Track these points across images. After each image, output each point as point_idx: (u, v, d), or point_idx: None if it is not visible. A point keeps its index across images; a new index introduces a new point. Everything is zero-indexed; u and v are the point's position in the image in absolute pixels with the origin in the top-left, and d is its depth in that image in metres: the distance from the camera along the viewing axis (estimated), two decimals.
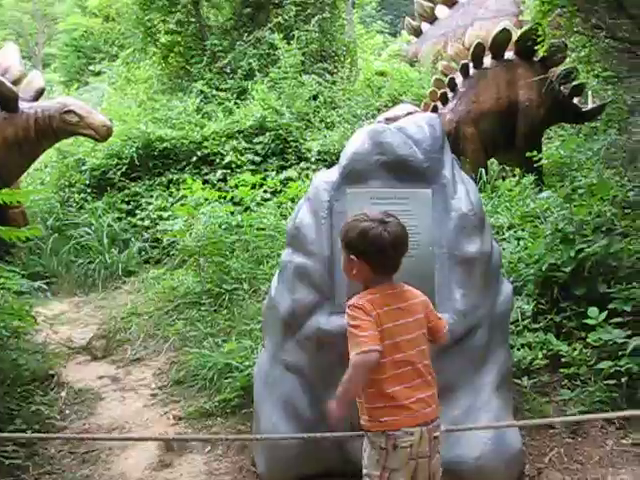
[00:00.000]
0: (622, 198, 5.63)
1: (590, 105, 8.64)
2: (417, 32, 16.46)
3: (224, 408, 4.59)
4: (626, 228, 5.19)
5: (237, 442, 4.13)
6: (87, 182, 9.63)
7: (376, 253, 2.69)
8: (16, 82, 7.90)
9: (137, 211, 8.98)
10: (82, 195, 9.40)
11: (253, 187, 7.91)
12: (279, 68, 11.28)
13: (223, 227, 7.01)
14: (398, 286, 2.77)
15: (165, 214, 8.13)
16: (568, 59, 8.24)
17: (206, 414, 4.58)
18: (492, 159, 8.92)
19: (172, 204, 8.44)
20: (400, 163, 3.65)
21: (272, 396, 3.70)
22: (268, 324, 3.98)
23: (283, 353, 3.70)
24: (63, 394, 5.12)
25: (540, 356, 4.44)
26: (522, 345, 4.59)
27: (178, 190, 8.61)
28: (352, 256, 2.73)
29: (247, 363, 4.75)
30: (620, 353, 4.10)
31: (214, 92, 11.37)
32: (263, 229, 7.08)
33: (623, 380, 4.03)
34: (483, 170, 7.93)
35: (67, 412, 4.88)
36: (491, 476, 3.47)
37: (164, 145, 9.67)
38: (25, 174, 9.05)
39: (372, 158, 3.66)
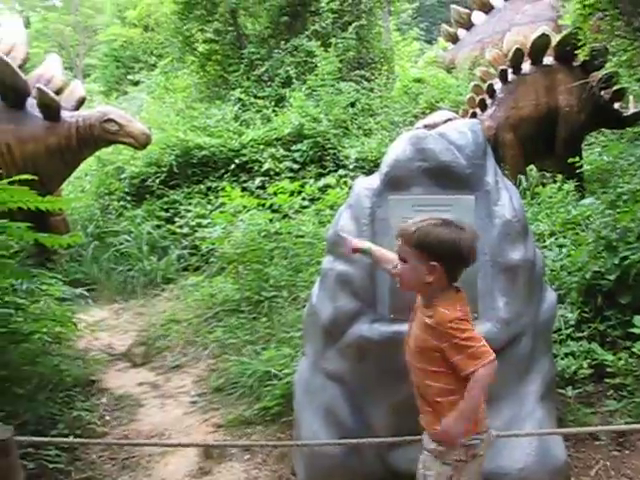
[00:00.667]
0: None
1: (632, 110, 8.49)
2: (454, 39, 16.39)
3: (264, 416, 4.58)
4: None
5: (277, 450, 4.11)
6: (126, 190, 9.77)
7: (457, 260, 2.58)
8: (58, 92, 8.04)
9: (176, 218, 9.06)
10: (121, 203, 9.54)
11: (291, 194, 7.91)
12: (316, 75, 11.31)
13: (262, 234, 7.02)
14: (461, 291, 2.67)
15: (204, 221, 8.17)
16: (609, 63, 8.12)
17: (246, 422, 4.57)
18: (531, 165, 8.81)
19: (210, 211, 8.49)
20: (442, 169, 3.61)
21: (313, 404, 3.67)
22: (309, 332, 3.96)
23: (324, 361, 3.68)
24: (104, 400, 5.17)
25: (585, 366, 4.34)
26: (566, 354, 4.50)
27: (217, 198, 8.68)
28: (433, 262, 2.55)
29: (287, 371, 4.73)
30: None
31: (252, 100, 11.45)
32: (302, 236, 7.06)
33: None
34: (523, 177, 7.83)
35: (107, 418, 4.92)
36: None
37: (203, 153, 9.77)
38: (66, 182, 9.19)
39: (414, 164, 3.62)
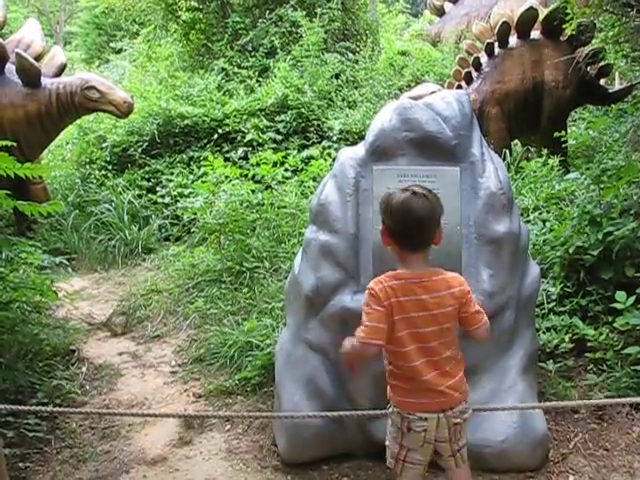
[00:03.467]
0: None
1: (617, 86, 8.47)
2: (440, 12, 16.26)
3: (244, 386, 4.56)
4: None
5: (257, 421, 4.10)
6: (108, 159, 9.64)
7: (396, 222, 2.59)
8: (38, 58, 7.87)
9: (157, 188, 8.97)
10: (103, 172, 9.41)
11: (274, 165, 7.85)
12: (301, 46, 11.18)
13: (244, 205, 6.98)
14: (429, 274, 2.62)
15: (186, 191, 8.10)
16: (596, 39, 8.07)
17: (226, 392, 4.55)
18: (516, 140, 8.79)
19: (193, 181, 8.41)
20: (428, 140, 3.58)
21: (294, 375, 3.66)
22: (291, 302, 3.93)
23: (306, 332, 3.66)
24: (84, 369, 5.13)
25: (566, 340, 4.36)
26: (547, 328, 4.52)
27: (199, 168, 8.59)
28: (382, 224, 2.66)
29: (268, 342, 4.71)
30: None
31: (235, 70, 11.30)
32: (284, 207, 7.03)
33: None
34: (507, 151, 7.81)
35: (87, 387, 4.88)
36: (515, 460, 3.42)
37: (185, 122, 9.66)
38: (46, 151, 9.06)
39: (399, 135, 3.59)
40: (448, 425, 2.63)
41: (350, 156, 3.66)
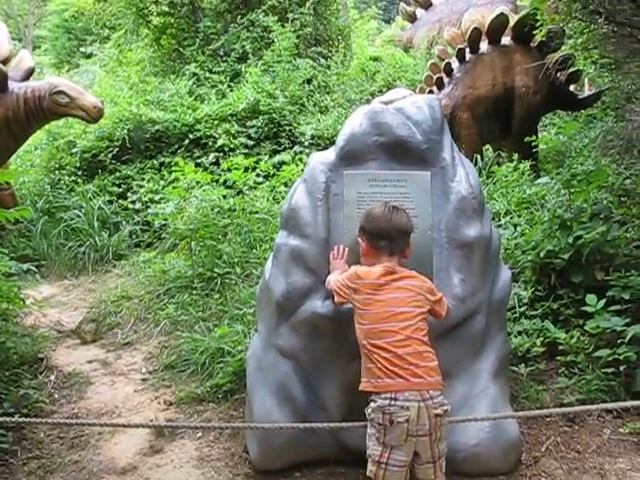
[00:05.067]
0: (619, 186, 5.57)
1: (587, 92, 8.55)
2: (412, 18, 16.29)
3: (216, 393, 4.51)
4: (623, 216, 5.13)
5: (229, 428, 4.06)
6: (78, 164, 9.51)
7: (378, 226, 3.06)
8: (5, 61, 7.75)
9: (128, 194, 8.88)
10: (72, 178, 9.29)
11: (246, 170, 7.80)
12: (273, 51, 11.16)
13: (215, 210, 6.92)
14: (402, 269, 3.04)
15: (157, 197, 8.03)
16: (565, 45, 8.14)
17: (197, 399, 4.50)
18: (487, 145, 8.84)
19: (163, 187, 8.31)
20: (399, 144, 3.56)
21: (265, 381, 3.62)
22: (262, 308, 3.90)
23: (277, 337, 3.62)
24: (52, 378, 5.03)
25: (537, 343, 4.38)
26: (519, 332, 4.53)
27: (170, 173, 8.50)
28: (360, 239, 3.17)
29: (239, 348, 4.68)
30: (619, 341, 4.04)
31: (207, 75, 11.25)
32: (256, 212, 6.99)
33: (621, 368, 3.97)
34: (478, 156, 7.84)
35: (56, 396, 4.79)
36: (488, 464, 3.42)
37: (156, 128, 9.58)
38: (15, 156, 8.92)
39: (370, 139, 3.57)
40: (429, 415, 2.71)
41: (320, 161, 3.64)
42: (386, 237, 3.04)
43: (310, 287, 3.47)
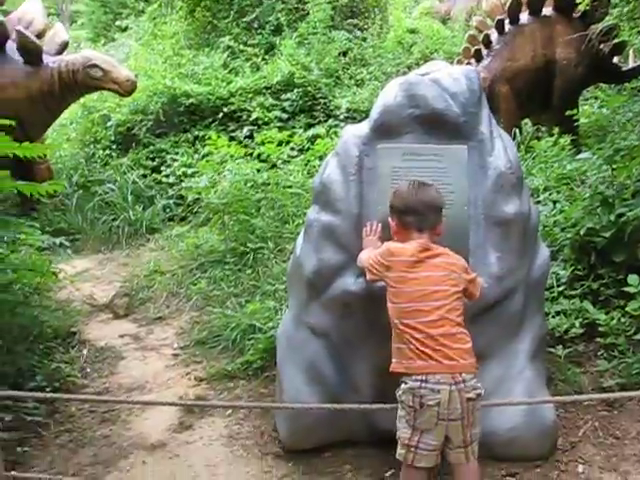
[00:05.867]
0: None
1: (631, 64, 8.26)
2: None
3: (246, 370, 4.48)
4: None
5: (259, 408, 4.02)
6: (112, 138, 9.53)
7: (406, 200, 2.98)
8: (39, 35, 7.74)
9: (162, 168, 8.85)
10: (107, 151, 9.31)
11: (280, 144, 7.71)
12: (308, 23, 11.00)
13: (249, 185, 6.85)
14: (436, 247, 2.93)
15: (190, 171, 7.97)
16: (610, 15, 7.85)
17: (228, 376, 4.48)
18: (526, 119, 8.61)
19: (197, 161, 8.27)
20: (435, 117, 3.43)
21: (296, 360, 3.56)
22: (293, 285, 3.83)
23: (308, 315, 3.55)
24: (84, 352, 5.06)
25: (576, 325, 4.24)
26: (557, 312, 4.40)
27: (204, 147, 8.45)
28: (389, 217, 3.07)
29: (270, 324, 4.63)
30: None
31: (241, 47, 11.12)
32: (289, 187, 6.89)
33: None
34: (517, 130, 7.65)
35: (88, 370, 4.82)
36: (523, 449, 3.33)
37: (190, 101, 9.52)
38: (50, 130, 8.94)
39: (405, 111, 3.44)
40: (461, 399, 2.63)
41: (354, 134, 3.52)
42: (413, 212, 2.94)
43: (342, 264, 3.39)
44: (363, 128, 3.54)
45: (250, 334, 4.73)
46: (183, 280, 6.15)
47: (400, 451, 2.70)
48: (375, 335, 3.24)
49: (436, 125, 3.43)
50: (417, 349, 2.67)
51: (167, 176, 8.64)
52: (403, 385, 2.69)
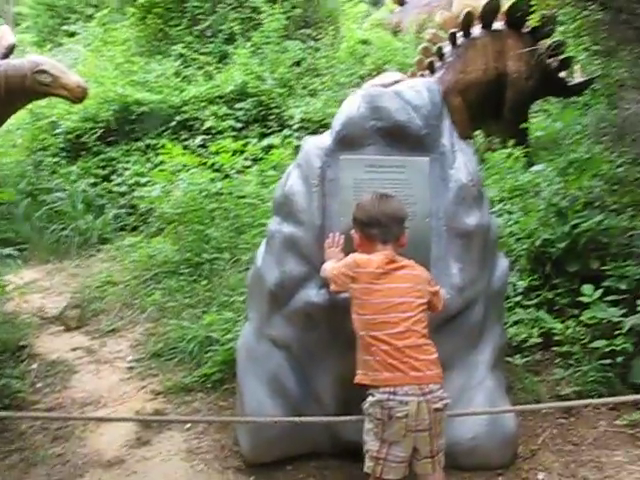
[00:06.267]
0: (612, 174, 5.49)
1: (577, 79, 8.47)
2: (401, 1, 16.17)
3: (204, 383, 4.41)
4: (616, 205, 5.06)
5: (218, 422, 3.96)
6: (61, 146, 9.34)
7: (369, 213, 2.98)
8: None
9: (113, 176, 8.72)
10: (56, 159, 9.11)
11: (234, 154, 7.66)
12: (262, 32, 10.97)
13: (202, 194, 6.77)
14: (401, 258, 2.93)
15: (142, 180, 7.86)
16: (557, 32, 8.04)
17: (186, 389, 4.40)
18: (478, 130, 8.74)
19: (149, 170, 8.17)
20: (397, 129, 3.44)
21: (257, 372, 3.52)
22: (253, 296, 3.79)
23: (269, 327, 3.52)
24: (35, 366, 4.91)
25: (534, 334, 4.31)
26: (514, 322, 4.46)
27: (156, 155, 8.35)
28: (353, 230, 3.06)
29: (229, 336, 4.57)
30: (615, 332, 3.97)
31: (194, 56, 11.02)
32: (244, 197, 6.84)
33: (618, 360, 3.91)
34: (470, 142, 7.75)
35: (39, 385, 4.67)
36: (485, 458, 3.36)
37: (142, 109, 9.40)
38: None
39: (367, 123, 3.44)
40: (429, 410, 2.63)
41: (316, 145, 3.51)
42: (377, 224, 2.94)
43: (305, 275, 3.36)
44: (325, 139, 3.53)
45: (207, 346, 4.66)
46: (137, 291, 6.04)
47: (368, 464, 2.69)
48: (338, 346, 3.23)
49: (398, 137, 3.45)
50: (384, 361, 2.67)
51: (118, 185, 8.51)
52: (370, 398, 2.68)
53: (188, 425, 3.97)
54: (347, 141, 3.46)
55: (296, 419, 3.14)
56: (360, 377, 2.76)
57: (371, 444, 2.68)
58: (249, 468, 3.52)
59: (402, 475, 2.69)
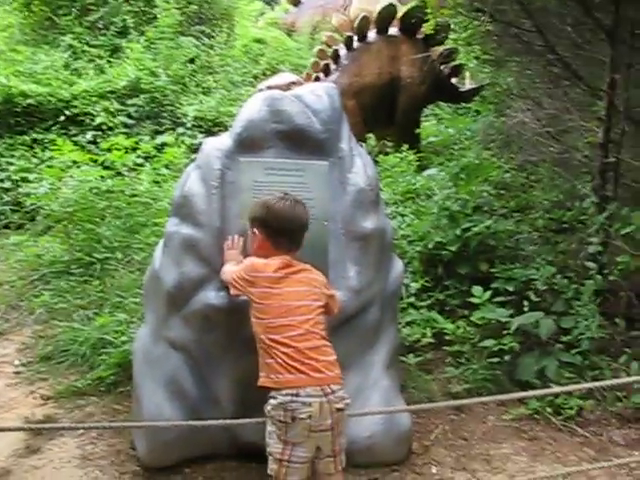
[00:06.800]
0: (499, 180, 5.76)
1: (468, 86, 8.81)
2: (295, 2, 16.27)
3: (98, 386, 4.29)
4: (503, 209, 5.31)
5: (113, 423, 3.87)
6: None
7: (281, 224, 2.93)
8: None
9: None
10: None
11: (126, 151, 7.48)
12: (156, 27, 10.79)
13: (93, 192, 6.58)
14: (297, 262, 2.95)
15: (29, 176, 7.54)
16: (449, 39, 8.33)
17: (78, 393, 4.25)
18: (371, 133, 8.92)
19: (36, 165, 7.87)
20: (297, 133, 3.48)
21: (154, 375, 3.47)
22: (150, 298, 3.73)
23: (167, 329, 3.48)
24: None
25: (427, 334, 4.46)
26: (408, 323, 4.60)
27: (44, 151, 8.04)
28: (254, 230, 2.98)
29: (123, 338, 4.48)
30: (503, 332, 4.17)
31: (84, 48, 10.71)
32: (136, 196, 6.70)
33: (506, 358, 4.10)
34: (363, 145, 7.90)
35: None
36: (381, 455, 3.44)
37: (28, 101, 9.00)
38: None
39: (268, 126, 3.46)
40: (331, 410, 2.67)
41: (216, 147, 3.50)
42: (289, 234, 2.96)
43: (203, 277, 3.34)
44: (225, 141, 3.52)
45: (100, 348, 4.54)
46: (23, 292, 5.79)
47: (272, 466, 2.70)
48: (236, 349, 3.23)
49: (298, 141, 3.48)
50: (285, 363, 2.69)
51: (2, 180, 8.11)
52: (272, 400, 2.69)
53: (81, 430, 3.86)
54: (247, 143, 3.46)
55: (197, 423, 3.11)
56: (263, 380, 2.77)
57: (274, 447, 2.69)
58: (146, 472, 3.45)
59: (305, 476, 2.72)
